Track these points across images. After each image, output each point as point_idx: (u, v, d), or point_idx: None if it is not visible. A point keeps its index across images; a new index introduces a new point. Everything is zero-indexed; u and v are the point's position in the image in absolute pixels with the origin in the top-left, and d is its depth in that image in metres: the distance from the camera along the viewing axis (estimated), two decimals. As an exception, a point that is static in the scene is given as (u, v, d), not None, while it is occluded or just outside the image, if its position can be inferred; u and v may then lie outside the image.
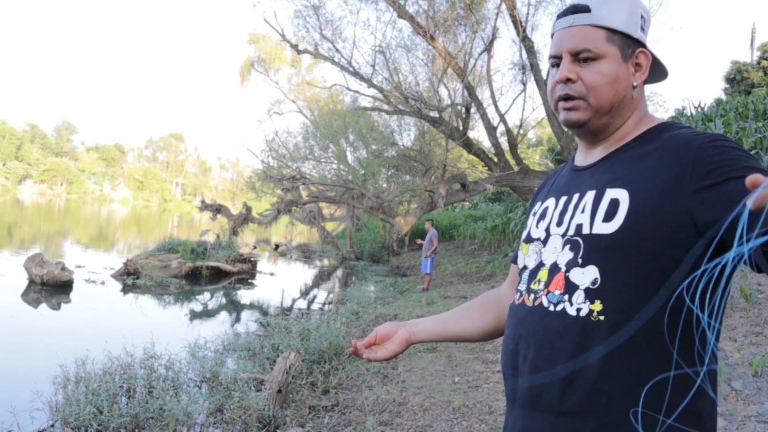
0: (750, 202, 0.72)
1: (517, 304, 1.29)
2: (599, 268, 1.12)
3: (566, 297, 1.16)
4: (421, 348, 6.86)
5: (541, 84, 15.54)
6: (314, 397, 5.30)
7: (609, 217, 1.13)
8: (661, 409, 1.03)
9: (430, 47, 17.61)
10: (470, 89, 17.37)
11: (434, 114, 18.06)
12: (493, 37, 16.80)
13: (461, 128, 18.06)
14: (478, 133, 25.18)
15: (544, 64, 16.38)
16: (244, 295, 13.41)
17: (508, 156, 18.21)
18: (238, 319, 10.25)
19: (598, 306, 1.11)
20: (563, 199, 1.28)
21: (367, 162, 23.05)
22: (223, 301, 12.46)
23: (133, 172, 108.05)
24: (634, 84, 1.23)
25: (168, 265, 14.34)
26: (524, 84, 17.66)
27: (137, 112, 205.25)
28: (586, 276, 1.14)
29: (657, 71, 1.32)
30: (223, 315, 10.66)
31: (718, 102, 14.69)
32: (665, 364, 1.06)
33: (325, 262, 23.51)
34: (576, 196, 1.24)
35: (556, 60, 1.25)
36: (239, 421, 4.57)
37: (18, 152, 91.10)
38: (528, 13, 16.31)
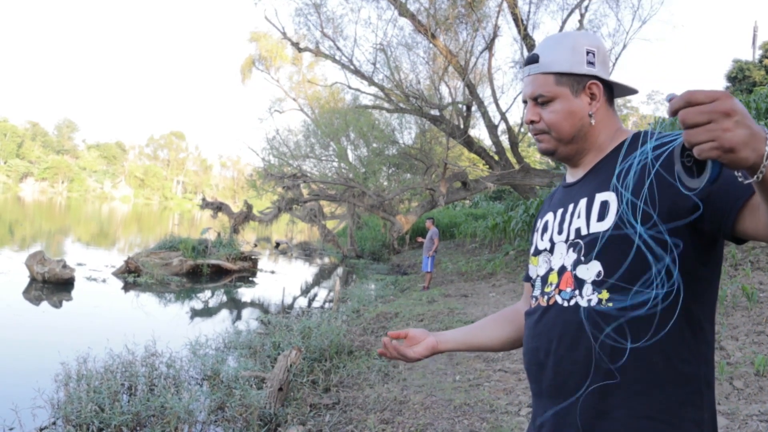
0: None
1: (532, 307, 1.43)
2: (601, 262, 1.26)
3: (576, 292, 1.30)
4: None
5: (542, 82, 15.49)
6: (315, 395, 5.31)
7: (602, 216, 1.28)
8: (665, 414, 1.19)
9: (431, 45, 17.61)
10: (471, 87, 17.36)
11: (435, 112, 18.06)
12: (495, 35, 16.80)
13: (462, 126, 18.05)
14: (479, 132, 25.18)
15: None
16: (245, 293, 13.42)
17: (509, 154, 18.21)
18: (239, 317, 10.25)
19: (605, 295, 1.24)
20: (560, 211, 1.44)
21: (367, 160, 23.06)
22: (224, 299, 12.46)
23: (134, 170, 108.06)
24: (590, 113, 1.38)
25: (169, 263, 14.35)
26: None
27: (138, 110, 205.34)
28: (591, 270, 1.28)
29: (621, 88, 1.46)
30: (224, 313, 10.67)
31: (720, 100, 14.62)
32: (672, 371, 1.20)
33: (326, 260, 23.51)
34: (571, 206, 1.39)
35: (525, 103, 1.46)
36: (240, 419, 4.58)
37: (19, 150, 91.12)
38: (529, 11, 16.33)
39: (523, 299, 1.68)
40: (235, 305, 11.70)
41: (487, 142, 22.80)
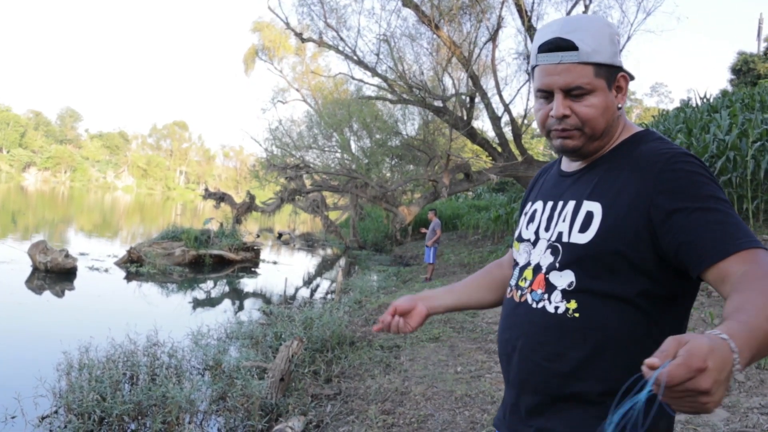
0: (650, 386, 0.83)
1: (508, 298, 1.45)
2: (574, 273, 1.27)
3: (546, 296, 1.31)
4: (423, 337, 6.87)
5: (546, 74, 15.43)
6: (317, 385, 5.31)
7: (584, 228, 1.27)
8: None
9: (434, 36, 17.53)
10: (475, 79, 17.29)
11: (438, 103, 18.00)
12: (498, 27, 16.70)
13: (465, 118, 18.00)
14: (482, 123, 25.17)
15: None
16: (247, 284, 13.44)
17: (512, 146, 18.14)
18: (241, 308, 10.27)
19: (573, 305, 1.26)
20: (549, 204, 1.42)
21: (370, 151, 23.02)
22: (226, 289, 12.48)
23: (137, 160, 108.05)
24: (619, 106, 1.34)
25: (171, 253, 14.37)
26: (529, 74, 17.55)
27: (141, 100, 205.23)
28: (564, 279, 1.29)
29: None
30: (226, 303, 10.69)
31: (724, 93, 14.59)
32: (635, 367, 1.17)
33: (328, 251, 23.53)
34: (560, 204, 1.37)
35: (544, 93, 1.33)
36: (242, 408, 4.59)
37: (22, 140, 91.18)
38: (533, 2, 16.22)
39: (507, 257, 1.69)
40: (237, 296, 11.72)
41: (490, 133, 22.74)
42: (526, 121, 18.50)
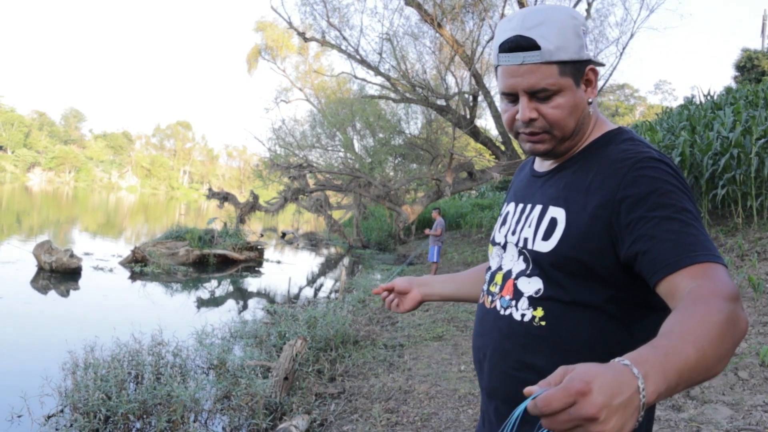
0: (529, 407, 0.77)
1: (480, 303, 1.41)
2: (542, 280, 1.23)
3: (513, 302, 1.27)
4: (427, 336, 6.88)
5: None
6: (321, 384, 5.33)
7: (547, 235, 1.23)
8: None
9: (437, 35, 17.54)
10: (478, 77, 17.30)
11: (441, 102, 18.01)
12: (501, 25, 16.69)
13: (468, 116, 18.01)
14: (485, 122, 25.16)
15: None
16: (251, 283, 13.46)
17: (515, 144, 18.13)
18: (245, 307, 10.28)
19: (539, 312, 1.21)
20: (520, 207, 1.37)
21: (374, 150, 23.05)
22: (230, 288, 12.50)
23: (141, 160, 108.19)
24: (589, 101, 1.26)
25: (175, 253, 14.40)
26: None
27: (145, 100, 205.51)
28: (531, 286, 1.24)
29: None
30: (230, 303, 10.70)
31: (728, 90, 14.56)
32: None
33: (332, 250, 23.54)
34: (528, 207, 1.33)
35: (509, 96, 1.25)
36: (246, 407, 4.60)
37: (26, 140, 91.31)
38: (536, 1, 16.21)
39: None
40: (241, 295, 11.73)
41: (493, 132, 22.75)
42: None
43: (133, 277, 12.20)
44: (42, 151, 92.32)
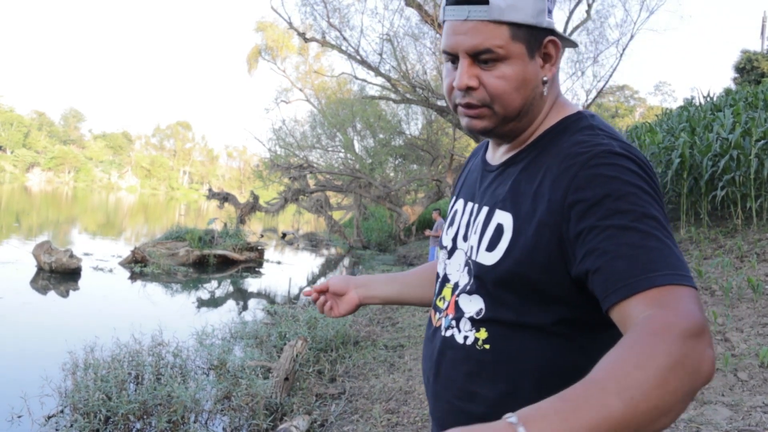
0: None
1: (429, 318, 1.25)
2: (483, 299, 1.06)
3: (455, 323, 1.11)
4: (427, 337, 6.88)
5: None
6: (321, 385, 5.33)
7: (492, 245, 1.04)
8: None
9: (437, 35, 17.54)
10: (478, 78, 17.30)
11: (442, 103, 18.01)
12: (502, 25, 16.72)
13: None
14: (485, 122, 25.14)
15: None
16: (251, 284, 13.46)
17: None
18: (245, 308, 10.29)
19: (483, 334, 1.05)
20: (469, 206, 1.18)
21: (374, 151, 23.06)
22: (231, 289, 12.51)
23: (141, 160, 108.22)
24: (544, 79, 1.05)
25: (175, 254, 14.41)
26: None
27: (144, 100, 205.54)
28: (473, 305, 1.08)
29: (564, 41, 1.11)
30: (231, 303, 10.71)
31: (728, 92, 14.57)
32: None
33: (332, 250, 23.54)
34: (476, 209, 1.15)
35: (449, 57, 1.06)
36: (246, 408, 4.61)
37: (26, 140, 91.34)
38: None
39: None
40: (242, 295, 11.74)
41: (493, 132, 22.75)
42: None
43: (133, 277, 12.20)
44: (41, 152, 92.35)
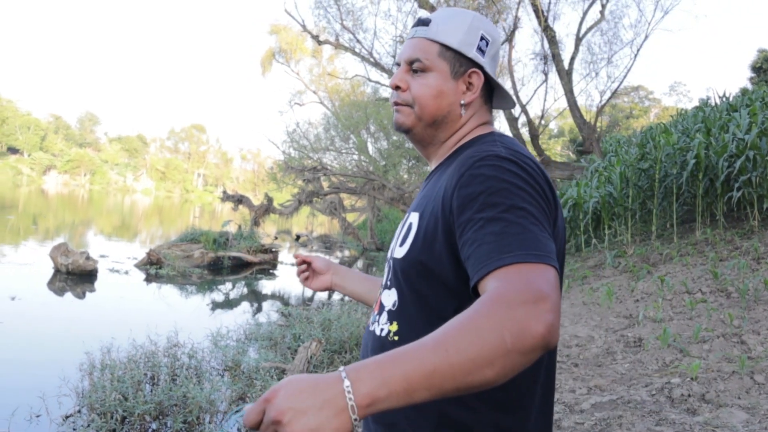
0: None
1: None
2: (397, 291, 1.19)
3: (377, 318, 1.24)
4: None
5: (562, 74, 15.41)
6: (335, 386, 5.34)
7: (403, 241, 1.19)
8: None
9: (451, 37, 17.54)
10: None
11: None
12: (515, 27, 16.70)
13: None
14: (499, 124, 25.05)
15: (566, 55, 16.25)
16: (266, 286, 13.52)
17: (530, 147, 18.09)
18: (259, 309, 10.34)
19: (394, 327, 1.17)
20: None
21: (387, 153, 23.07)
22: (245, 291, 12.56)
23: (156, 162, 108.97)
24: (462, 102, 1.24)
25: (190, 255, 14.49)
26: (546, 74, 17.53)
27: (159, 103, 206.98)
28: (390, 298, 1.21)
29: (503, 97, 1.35)
30: (245, 305, 10.76)
31: (744, 91, 14.44)
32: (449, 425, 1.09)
33: (346, 252, 23.58)
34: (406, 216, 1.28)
35: (397, 67, 1.29)
36: (261, 409, 4.62)
37: (42, 143, 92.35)
38: (550, 2, 16.20)
39: None
40: (256, 297, 11.79)
41: (507, 134, 22.70)
42: (543, 122, 18.44)
43: (149, 279, 12.29)
44: (58, 154, 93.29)
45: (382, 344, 1.18)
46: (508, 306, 0.83)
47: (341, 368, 0.79)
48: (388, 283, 1.23)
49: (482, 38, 1.25)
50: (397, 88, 1.26)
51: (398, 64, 1.28)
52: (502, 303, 0.84)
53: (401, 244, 1.18)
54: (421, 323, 1.12)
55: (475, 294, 0.95)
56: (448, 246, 1.07)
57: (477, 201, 1.00)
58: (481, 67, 1.25)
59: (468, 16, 1.25)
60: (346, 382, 0.77)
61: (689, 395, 3.96)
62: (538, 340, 0.82)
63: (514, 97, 17.16)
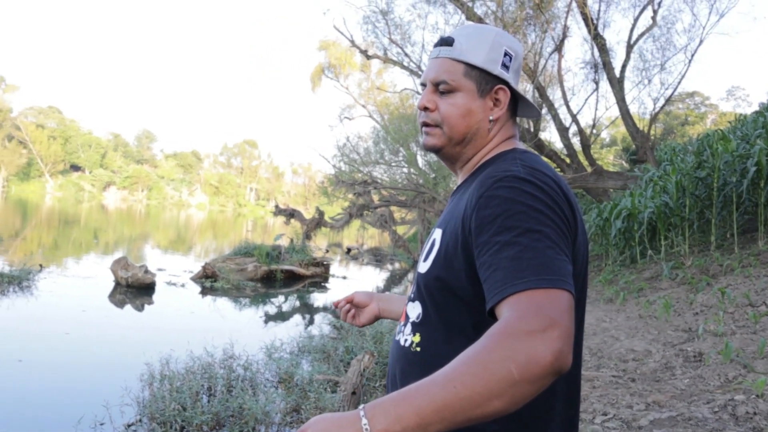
0: None
1: None
2: (421, 304, 1.22)
3: (403, 328, 1.28)
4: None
5: (614, 82, 15.17)
6: (387, 398, 5.36)
7: (427, 256, 1.22)
8: None
9: (499, 49, 17.46)
10: (541, 90, 17.13)
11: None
12: (564, 36, 16.52)
13: (532, 130, 17.81)
14: (549, 135, 24.85)
15: (617, 62, 16.00)
16: (318, 298, 13.63)
17: (581, 157, 17.85)
18: (311, 322, 10.44)
19: (417, 338, 1.21)
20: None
21: (437, 165, 23.00)
22: (297, 304, 12.71)
23: (209, 178, 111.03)
24: (491, 118, 1.27)
25: (244, 269, 14.74)
26: (597, 83, 17.26)
27: (212, 120, 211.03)
28: (415, 311, 1.24)
29: (528, 107, 1.36)
30: (298, 317, 10.89)
31: (806, 97, 13.98)
32: None
33: (397, 265, 23.60)
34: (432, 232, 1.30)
35: (423, 87, 1.31)
36: (315, 420, 4.67)
37: (103, 160, 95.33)
38: (599, 10, 16.00)
39: None
40: (308, 310, 11.91)
41: (558, 144, 22.39)
42: (594, 131, 18.15)
43: (204, 292, 12.56)
44: (117, 171, 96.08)
45: (405, 354, 1.24)
46: (515, 336, 0.87)
47: (361, 406, 0.88)
48: (413, 295, 1.27)
49: (506, 54, 1.27)
50: (425, 109, 1.28)
51: (424, 84, 1.30)
52: (508, 334, 0.88)
53: (425, 260, 1.22)
54: (441, 336, 1.17)
55: (492, 316, 0.98)
56: (467, 264, 1.10)
57: (494, 224, 1.02)
58: (506, 83, 1.27)
59: (491, 33, 1.27)
60: (364, 420, 0.86)
61: (755, 413, 3.84)
62: (546, 368, 0.85)
63: (564, 107, 16.99)
